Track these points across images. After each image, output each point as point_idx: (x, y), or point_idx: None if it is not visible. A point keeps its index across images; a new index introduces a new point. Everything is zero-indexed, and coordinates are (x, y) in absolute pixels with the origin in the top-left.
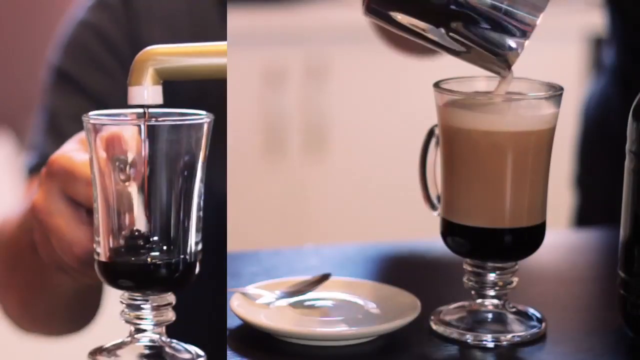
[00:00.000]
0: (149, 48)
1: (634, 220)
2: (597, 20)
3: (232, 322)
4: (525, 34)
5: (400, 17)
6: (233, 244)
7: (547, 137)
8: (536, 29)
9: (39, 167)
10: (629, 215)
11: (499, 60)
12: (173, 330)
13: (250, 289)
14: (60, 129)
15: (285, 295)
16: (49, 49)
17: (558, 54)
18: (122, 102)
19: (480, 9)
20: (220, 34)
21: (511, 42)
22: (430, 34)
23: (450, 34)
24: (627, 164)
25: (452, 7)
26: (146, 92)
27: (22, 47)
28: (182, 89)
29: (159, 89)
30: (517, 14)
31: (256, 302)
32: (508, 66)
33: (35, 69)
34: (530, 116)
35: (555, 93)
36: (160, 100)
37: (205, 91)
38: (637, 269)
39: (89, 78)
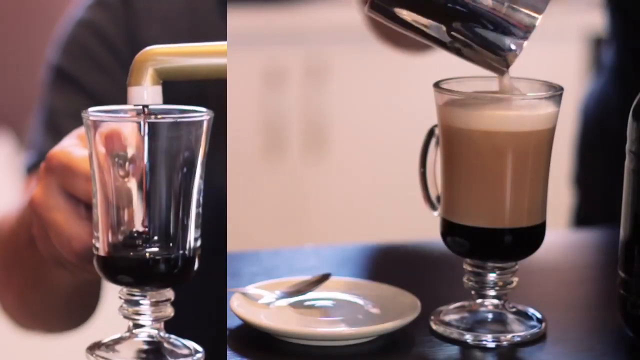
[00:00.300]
0: (148, 48)
1: (634, 220)
2: (597, 20)
3: (232, 322)
4: (524, 35)
5: (403, 15)
6: (233, 244)
7: (547, 137)
8: (536, 30)
9: (37, 166)
10: (629, 215)
11: (498, 59)
12: (173, 330)
13: (250, 289)
14: (59, 127)
15: (285, 295)
16: (49, 49)
17: (558, 54)
18: (121, 101)
19: (482, 8)
20: (220, 34)
21: (510, 43)
22: (431, 31)
23: (452, 32)
24: (627, 164)
25: (454, 6)
26: (146, 92)
27: (22, 47)
28: (182, 89)
29: (158, 89)
30: (517, 15)
31: (256, 302)
32: (506, 66)
33: (35, 69)
34: (530, 116)
35: (555, 93)
36: (160, 101)
37: (205, 91)
38: (637, 269)
39: (88, 77)
